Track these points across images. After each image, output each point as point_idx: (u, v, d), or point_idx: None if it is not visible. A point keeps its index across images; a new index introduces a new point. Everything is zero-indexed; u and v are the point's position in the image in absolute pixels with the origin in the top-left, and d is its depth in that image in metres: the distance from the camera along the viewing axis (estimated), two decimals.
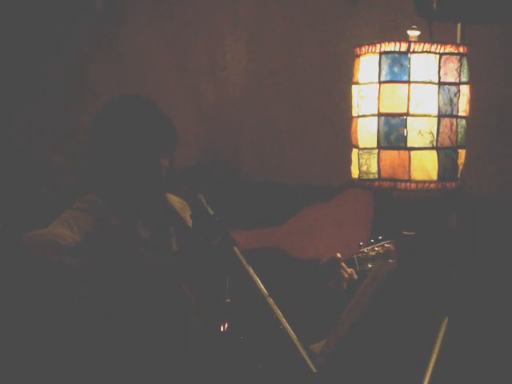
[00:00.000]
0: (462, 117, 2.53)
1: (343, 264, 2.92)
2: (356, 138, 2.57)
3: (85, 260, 2.59)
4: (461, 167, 2.55)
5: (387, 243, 2.97)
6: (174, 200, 2.91)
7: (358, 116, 2.56)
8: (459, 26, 2.70)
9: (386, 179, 2.52)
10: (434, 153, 2.50)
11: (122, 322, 2.59)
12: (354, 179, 2.61)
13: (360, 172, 2.57)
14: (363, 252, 2.97)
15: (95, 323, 2.57)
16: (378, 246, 2.97)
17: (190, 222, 2.88)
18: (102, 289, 2.58)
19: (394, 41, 2.48)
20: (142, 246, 2.73)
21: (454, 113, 2.52)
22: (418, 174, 2.49)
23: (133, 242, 2.72)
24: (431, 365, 2.61)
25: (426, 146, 2.49)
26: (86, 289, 2.57)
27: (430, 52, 2.47)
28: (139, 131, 2.77)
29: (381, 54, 2.49)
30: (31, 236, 2.64)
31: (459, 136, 2.53)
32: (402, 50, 2.47)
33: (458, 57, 2.51)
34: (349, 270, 2.92)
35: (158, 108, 2.84)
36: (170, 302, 2.68)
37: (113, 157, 2.76)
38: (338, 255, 2.95)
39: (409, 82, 2.48)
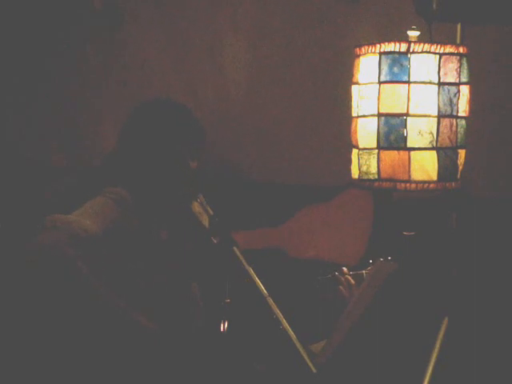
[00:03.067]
0: (461, 117, 2.54)
1: (348, 277, 2.90)
2: (356, 139, 2.57)
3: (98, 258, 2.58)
4: (461, 167, 2.55)
5: (394, 263, 2.96)
6: (194, 203, 2.91)
7: (358, 116, 2.56)
8: (459, 26, 2.70)
9: (385, 179, 2.52)
10: (433, 153, 2.50)
11: (124, 319, 2.59)
12: (354, 179, 2.61)
13: (360, 172, 2.57)
14: (372, 269, 2.96)
15: (97, 320, 2.57)
16: None
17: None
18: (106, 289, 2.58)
19: (394, 41, 2.48)
20: (160, 248, 2.73)
21: (454, 113, 2.52)
22: (417, 175, 2.49)
23: (152, 242, 2.72)
24: (431, 365, 2.61)
25: (425, 146, 2.49)
26: (89, 290, 2.56)
27: (429, 52, 2.48)
28: (175, 132, 2.80)
29: (381, 54, 2.49)
30: (54, 219, 2.59)
31: (459, 136, 2.53)
32: (402, 50, 2.48)
33: (458, 57, 2.51)
34: (351, 281, 2.90)
35: (192, 113, 2.88)
36: (179, 301, 2.68)
37: (148, 155, 2.78)
38: (344, 269, 2.93)
39: (409, 82, 2.48)
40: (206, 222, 2.85)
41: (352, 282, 2.91)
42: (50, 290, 2.51)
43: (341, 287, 2.88)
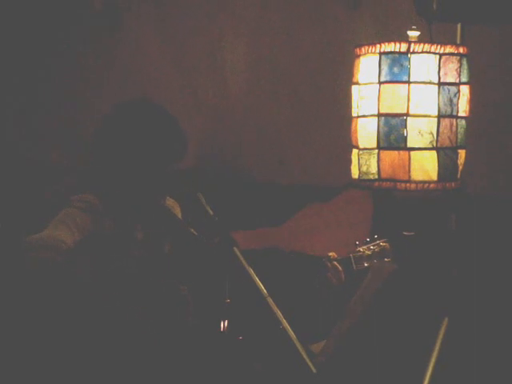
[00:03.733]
0: (461, 117, 2.54)
1: (335, 263, 2.92)
2: (356, 139, 2.57)
3: (82, 266, 2.60)
4: (461, 167, 2.55)
5: (383, 242, 2.97)
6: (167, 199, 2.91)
7: (358, 116, 2.56)
8: (459, 26, 2.70)
9: (385, 179, 2.52)
10: (433, 153, 2.50)
11: (117, 320, 2.59)
12: (354, 179, 2.61)
13: (360, 172, 2.57)
14: (359, 251, 2.97)
15: (91, 323, 2.57)
16: (373, 245, 2.98)
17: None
18: (97, 290, 2.59)
19: (394, 41, 2.48)
20: (136, 248, 2.73)
21: (454, 113, 2.52)
22: (417, 175, 2.49)
23: (127, 244, 2.72)
24: (431, 365, 2.61)
25: (425, 146, 2.49)
26: (83, 291, 2.57)
27: (429, 52, 2.48)
28: (152, 138, 2.77)
29: (381, 54, 2.49)
30: (31, 241, 2.63)
31: (459, 136, 2.53)
32: (402, 50, 2.48)
33: (458, 57, 2.51)
34: (339, 267, 2.92)
35: (172, 116, 2.83)
36: (166, 301, 2.68)
37: (121, 160, 2.76)
38: (331, 254, 2.95)
39: (409, 82, 2.48)
40: (179, 214, 2.87)
41: (339, 267, 2.92)
42: (50, 297, 2.57)
43: (329, 274, 2.90)
